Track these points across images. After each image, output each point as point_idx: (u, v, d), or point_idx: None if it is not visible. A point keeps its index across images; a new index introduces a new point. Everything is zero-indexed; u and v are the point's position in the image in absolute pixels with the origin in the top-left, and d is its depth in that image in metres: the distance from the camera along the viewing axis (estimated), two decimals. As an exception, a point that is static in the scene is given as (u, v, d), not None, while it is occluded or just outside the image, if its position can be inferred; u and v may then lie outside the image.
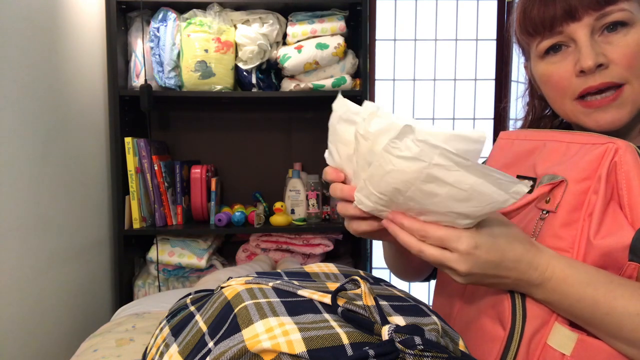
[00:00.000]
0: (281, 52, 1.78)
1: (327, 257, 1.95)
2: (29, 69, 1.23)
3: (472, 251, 0.48)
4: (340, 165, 0.56)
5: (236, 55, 1.80)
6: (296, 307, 0.47)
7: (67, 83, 1.45)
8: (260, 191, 1.99)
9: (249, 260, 1.88)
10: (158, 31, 1.76)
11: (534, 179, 0.61)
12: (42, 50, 1.30)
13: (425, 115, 2.19)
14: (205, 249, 1.81)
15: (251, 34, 1.74)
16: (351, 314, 0.45)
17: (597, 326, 0.50)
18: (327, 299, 0.48)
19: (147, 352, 0.57)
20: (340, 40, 1.76)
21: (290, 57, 1.75)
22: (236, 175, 2.06)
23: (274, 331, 0.42)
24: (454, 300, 0.66)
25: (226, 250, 2.08)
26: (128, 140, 1.72)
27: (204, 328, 0.49)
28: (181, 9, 1.79)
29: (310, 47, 1.75)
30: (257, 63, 1.78)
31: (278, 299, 0.48)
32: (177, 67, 1.77)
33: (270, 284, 0.53)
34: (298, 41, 1.78)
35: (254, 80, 1.81)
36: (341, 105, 0.54)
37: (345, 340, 0.42)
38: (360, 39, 1.84)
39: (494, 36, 2.11)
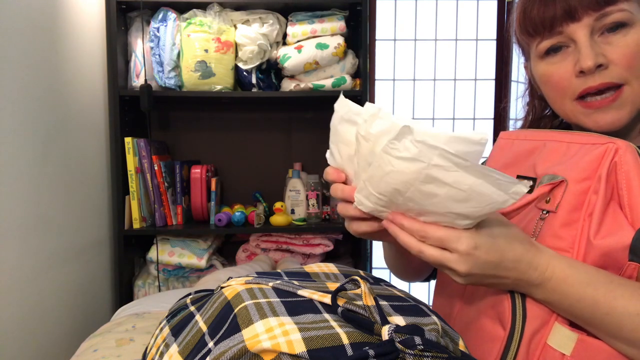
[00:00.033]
0: (281, 52, 1.78)
1: (327, 257, 1.95)
2: (29, 69, 1.23)
3: (472, 252, 0.48)
4: (341, 166, 0.56)
5: (236, 55, 1.80)
6: (296, 307, 0.47)
7: (67, 83, 1.45)
8: (260, 191, 1.99)
9: (249, 260, 1.88)
10: (158, 31, 1.76)
11: (534, 179, 0.61)
12: (42, 50, 1.30)
13: (425, 115, 2.19)
14: (205, 249, 1.81)
15: (251, 34, 1.74)
16: (351, 314, 0.45)
17: (597, 326, 0.50)
18: (327, 299, 0.48)
19: (147, 352, 0.57)
20: (340, 40, 1.76)
21: (290, 57, 1.75)
22: (236, 175, 2.06)
23: (274, 331, 0.42)
24: (454, 300, 0.66)
25: (226, 250, 2.08)
26: (128, 140, 1.73)
27: (204, 328, 0.49)
28: (181, 9, 1.79)
29: (310, 47, 1.75)
30: (257, 63, 1.78)
31: (278, 299, 0.48)
32: (177, 67, 1.77)
33: (270, 284, 0.53)
34: (298, 41, 1.78)
35: (254, 80, 1.81)
36: (343, 106, 0.54)
37: (345, 340, 0.42)
38: (360, 39, 1.84)
39: (494, 36, 2.11)
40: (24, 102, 1.20)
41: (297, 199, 1.84)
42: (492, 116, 2.17)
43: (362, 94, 1.79)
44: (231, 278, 0.58)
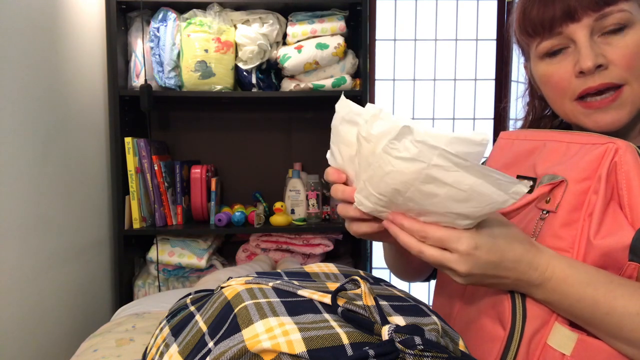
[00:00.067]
0: (281, 52, 1.78)
1: (327, 257, 1.95)
2: (29, 69, 1.23)
3: (472, 252, 0.48)
4: (342, 166, 0.56)
5: (236, 55, 1.80)
6: (296, 307, 0.47)
7: (67, 83, 1.45)
8: (260, 191, 1.99)
9: (249, 260, 1.88)
10: (158, 31, 1.76)
11: (534, 179, 0.61)
12: (42, 50, 1.30)
13: (425, 116, 2.19)
14: (205, 249, 1.81)
15: (251, 34, 1.74)
16: (351, 314, 0.45)
17: (597, 326, 0.50)
18: (327, 299, 0.48)
19: (147, 352, 0.57)
20: (340, 40, 1.76)
21: (290, 57, 1.75)
22: (236, 175, 2.06)
23: (274, 331, 0.42)
24: (454, 300, 0.66)
25: (226, 250, 2.08)
26: (128, 140, 1.73)
27: (204, 328, 0.49)
28: (181, 9, 1.79)
29: (310, 47, 1.75)
30: (257, 63, 1.78)
31: (278, 299, 0.48)
32: (177, 67, 1.77)
33: (270, 284, 0.53)
34: (298, 41, 1.78)
35: (254, 80, 1.81)
36: (344, 107, 0.54)
37: (345, 340, 0.42)
38: (360, 39, 1.84)
39: (494, 36, 2.11)
40: (24, 102, 1.20)
41: (297, 199, 1.84)
42: (492, 116, 2.17)
43: (362, 94, 1.79)
44: (231, 278, 0.58)
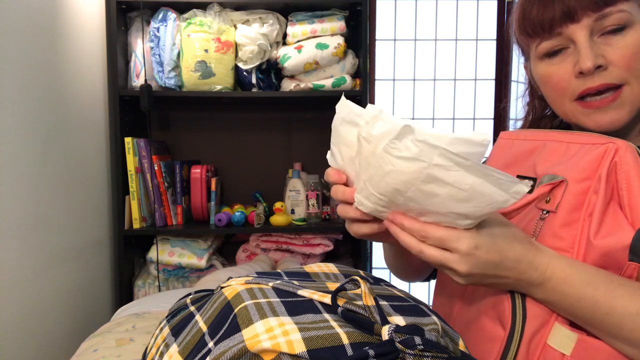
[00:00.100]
0: (281, 52, 1.78)
1: (327, 257, 1.95)
2: (29, 69, 1.23)
3: (473, 252, 0.48)
4: (342, 167, 0.56)
5: (236, 55, 1.80)
6: (296, 307, 0.47)
7: (67, 83, 1.45)
8: (260, 191, 1.99)
9: (249, 260, 1.88)
10: (158, 31, 1.76)
11: (534, 179, 0.61)
12: (42, 50, 1.30)
13: (425, 115, 2.19)
14: (205, 249, 1.81)
15: (251, 34, 1.74)
16: (351, 314, 0.45)
17: (597, 326, 0.51)
18: (327, 299, 0.48)
19: (147, 352, 0.57)
20: (340, 40, 1.76)
21: (290, 57, 1.75)
22: (236, 175, 2.06)
23: (274, 331, 0.42)
24: (454, 300, 0.66)
25: (226, 250, 2.08)
26: (128, 140, 1.73)
27: (204, 328, 0.49)
28: (181, 9, 1.79)
29: (310, 47, 1.75)
30: (257, 63, 1.78)
31: (278, 299, 0.48)
32: (177, 67, 1.77)
33: (270, 284, 0.53)
34: (298, 41, 1.78)
35: (254, 80, 1.81)
36: (344, 107, 0.54)
37: (345, 340, 0.42)
38: (360, 39, 1.84)
39: (494, 36, 2.11)
40: (24, 102, 1.20)
41: (297, 199, 1.84)
42: (492, 116, 2.17)
43: (362, 94, 1.79)
44: (231, 278, 0.58)
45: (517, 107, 0.80)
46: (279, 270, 0.62)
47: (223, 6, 1.78)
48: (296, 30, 1.77)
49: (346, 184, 0.56)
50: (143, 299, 1.45)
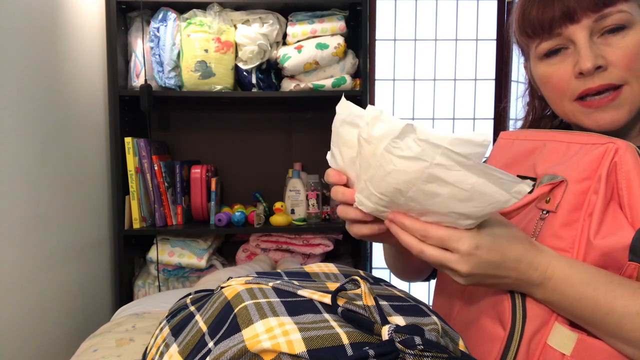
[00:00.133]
0: (281, 52, 1.78)
1: (327, 257, 1.95)
2: (29, 69, 1.23)
3: (473, 252, 0.48)
4: (342, 168, 0.56)
5: (236, 55, 1.80)
6: (296, 307, 0.47)
7: (67, 83, 1.45)
8: (260, 191, 1.99)
9: (249, 260, 1.88)
10: (158, 31, 1.76)
11: (534, 179, 0.61)
12: (42, 50, 1.30)
13: (425, 116, 2.19)
14: (205, 249, 1.81)
15: (251, 34, 1.74)
16: (351, 314, 0.45)
17: (597, 326, 0.51)
18: (327, 299, 0.48)
19: (147, 352, 0.57)
20: (340, 40, 1.76)
21: (290, 57, 1.75)
22: (236, 175, 2.06)
23: (274, 331, 0.42)
24: (454, 300, 0.66)
25: (226, 250, 2.08)
26: (128, 140, 1.73)
27: (204, 328, 0.49)
28: (181, 9, 1.79)
29: (310, 47, 1.75)
30: (257, 63, 1.78)
31: (278, 299, 0.48)
32: (177, 67, 1.77)
33: (270, 284, 0.53)
34: (298, 41, 1.78)
35: (254, 80, 1.81)
36: (344, 108, 0.54)
37: (345, 340, 0.42)
38: (360, 39, 1.84)
39: (494, 36, 2.11)
40: (24, 102, 1.20)
41: (297, 199, 1.84)
42: (492, 116, 2.17)
43: (362, 94, 1.79)
44: (231, 278, 0.57)
45: (517, 107, 0.80)
46: (279, 270, 0.62)
47: (223, 6, 1.78)
48: (296, 30, 1.77)
49: (346, 185, 0.56)
50: (143, 299, 1.45)
